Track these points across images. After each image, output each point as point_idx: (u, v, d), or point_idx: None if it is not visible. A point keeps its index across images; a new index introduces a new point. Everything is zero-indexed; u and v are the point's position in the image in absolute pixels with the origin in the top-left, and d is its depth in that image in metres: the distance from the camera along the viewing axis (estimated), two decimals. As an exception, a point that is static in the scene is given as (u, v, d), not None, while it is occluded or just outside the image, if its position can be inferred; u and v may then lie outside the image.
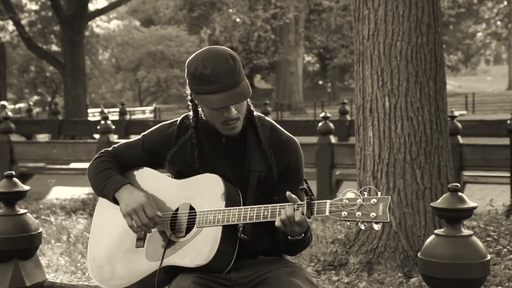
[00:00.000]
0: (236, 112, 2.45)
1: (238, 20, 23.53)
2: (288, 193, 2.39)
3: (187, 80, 2.51)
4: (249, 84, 2.49)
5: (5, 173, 3.07)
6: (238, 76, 2.43)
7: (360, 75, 5.18)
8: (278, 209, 2.41)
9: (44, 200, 9.45)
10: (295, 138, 2.64)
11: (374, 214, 2.28)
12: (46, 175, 11.11)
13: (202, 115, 2.54)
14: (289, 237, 2.46)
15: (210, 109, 2.46)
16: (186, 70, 2.50)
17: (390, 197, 2.34)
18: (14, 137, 10.85)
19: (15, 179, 3.07)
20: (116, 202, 2.59)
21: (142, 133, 2.71)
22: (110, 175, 2.62)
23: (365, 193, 2.32)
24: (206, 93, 2.42)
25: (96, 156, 2.72)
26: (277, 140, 2.59)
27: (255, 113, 2.59)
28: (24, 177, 10.37)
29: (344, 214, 2.31)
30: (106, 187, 2.60)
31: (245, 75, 2.50)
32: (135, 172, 2.68)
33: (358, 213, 2.30)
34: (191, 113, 2.60)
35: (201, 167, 2.56)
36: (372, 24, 5.08)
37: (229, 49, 2.48)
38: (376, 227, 2.31)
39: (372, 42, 5.09)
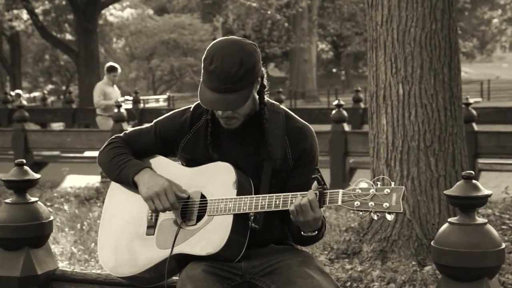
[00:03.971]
0: (225, 113, 2.43)
1: (254, 4, 23.42)
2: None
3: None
4: (252, 94, 2.42)
5: (16, 161, 3.06)
6: (238, 84, 2.36)
7: (373, 62, 5.13)
8: (290, 198, 2.39)
9: (58, 188, 9.49)
10: (310, 125, 2.61)
11: (387, 204, 2.25)
12: (60, 163, 11.15)
13: None
14: (302, 233, 2.44)
15: None
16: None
17: (403, 187, 2.31)
18: (29, 126, 10.89)
19: (25, 167, 3.06)
20: (134, 185, 2.57)
21: (154, 120, 2.69)
22: (128, 159, 2.60)
23: (379, 183, 2.29)
24: (204, 85, 2.41)
25: (108, 142, 2.69)
26: (292, 127, 2.56)
27: (269, 100, 2.56)
28: (38, 166, 10.42)
29: (357, 204, 2.29)
30: (124, 171, 2.58)
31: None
32: (147, 159, 2.66)
33: (371, 203, 2.27)
34: None
35: (216, 155, 2.54)
36: (386, 10, 5.02)
37: (252, 50, 2.39)
38: (389, 217, 2.28)
39: (385, 29, 5.03)
